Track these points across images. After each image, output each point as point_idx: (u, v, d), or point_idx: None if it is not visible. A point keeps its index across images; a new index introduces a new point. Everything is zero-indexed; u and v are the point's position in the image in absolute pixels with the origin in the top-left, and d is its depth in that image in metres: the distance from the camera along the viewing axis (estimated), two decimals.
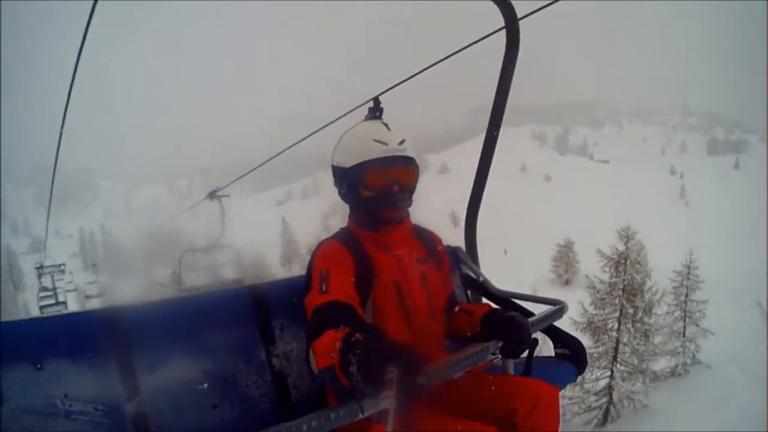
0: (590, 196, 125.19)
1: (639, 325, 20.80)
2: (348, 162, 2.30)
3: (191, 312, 2.37)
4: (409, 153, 2.34)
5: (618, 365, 20.37)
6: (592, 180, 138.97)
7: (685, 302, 23.70)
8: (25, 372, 1.92)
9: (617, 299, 20.91)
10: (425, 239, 2.58)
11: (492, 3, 2.80)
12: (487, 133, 3.22)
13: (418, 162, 2.42)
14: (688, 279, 23.95)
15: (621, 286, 20.85)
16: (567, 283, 64.98)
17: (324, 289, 2.07)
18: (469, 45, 3.53)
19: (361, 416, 1.64)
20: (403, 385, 1.48)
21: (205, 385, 2.25)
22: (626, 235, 21.94)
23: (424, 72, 4.02)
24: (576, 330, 19.95)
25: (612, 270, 21.48)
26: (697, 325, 23.31)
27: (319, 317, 1.98)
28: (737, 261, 68.68)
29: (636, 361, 20.49)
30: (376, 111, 2.49)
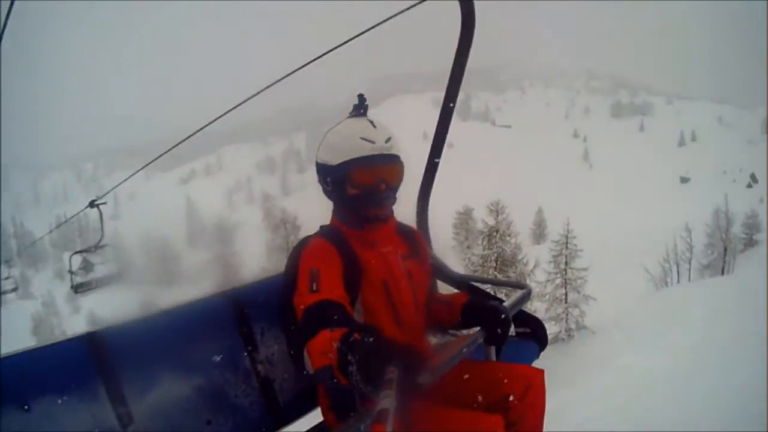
0: (492, 161, 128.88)
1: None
2: (334, 160, 2.25)
3: (174, 327, 2.24)
4: (394, 151, 2.32)
5: None
6: (494, 145, 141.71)
7: (565, 270, 24.34)
8: (13, 416, 1.74)
9: (490, 270, 21.44)
10: (408, 236, 2.55)
11: None
12: (442, 108, 3.18)
13: (402, 159, 2.42)
14: (566, 248, 24.62)
15: (493, 258, 21.48)
16: (469, 248, 64.51)
17: (315, 288, 2.01)
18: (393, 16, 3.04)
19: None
20: (403, 385, 1.46)
21: (198, 401, 2.17)
22: (496, 210, 22.74)
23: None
24: None
25: (485, 243, 22.12)
26: (578, 292, 23.88)
27: (311, 316, 1.93)
28: (636, 223, 71.38)
29: None
30: (360, 108, 2.37)
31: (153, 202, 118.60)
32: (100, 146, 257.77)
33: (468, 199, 70.06)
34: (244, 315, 2.41)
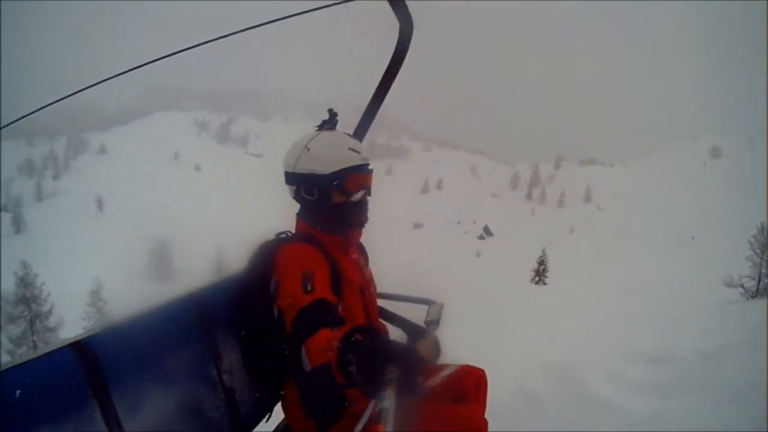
0: (238, 191, 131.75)
1: None
2: (327, 169, 2.17)
3: (154, 332, 1.91)
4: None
5: None
6: (241, 173, 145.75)
7: None
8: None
9: None
10: (360, 245, 2.55)
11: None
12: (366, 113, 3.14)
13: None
14: None
15: None
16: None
17: (310, 288, 1.95)
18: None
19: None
20: (403, 385, 1.47)
21: (179, 418, 1.90)
22: None
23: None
24: None
25: None
26: None
27: (309, 315, 1.88)
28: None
29: None
30: (331, 122, 2.34)
31: None
32: None
33: (174, 231, 78.90)
34: (208, 320, 2.16)
